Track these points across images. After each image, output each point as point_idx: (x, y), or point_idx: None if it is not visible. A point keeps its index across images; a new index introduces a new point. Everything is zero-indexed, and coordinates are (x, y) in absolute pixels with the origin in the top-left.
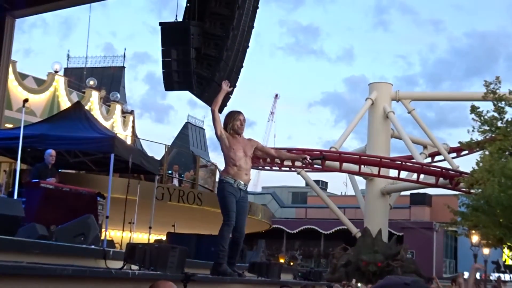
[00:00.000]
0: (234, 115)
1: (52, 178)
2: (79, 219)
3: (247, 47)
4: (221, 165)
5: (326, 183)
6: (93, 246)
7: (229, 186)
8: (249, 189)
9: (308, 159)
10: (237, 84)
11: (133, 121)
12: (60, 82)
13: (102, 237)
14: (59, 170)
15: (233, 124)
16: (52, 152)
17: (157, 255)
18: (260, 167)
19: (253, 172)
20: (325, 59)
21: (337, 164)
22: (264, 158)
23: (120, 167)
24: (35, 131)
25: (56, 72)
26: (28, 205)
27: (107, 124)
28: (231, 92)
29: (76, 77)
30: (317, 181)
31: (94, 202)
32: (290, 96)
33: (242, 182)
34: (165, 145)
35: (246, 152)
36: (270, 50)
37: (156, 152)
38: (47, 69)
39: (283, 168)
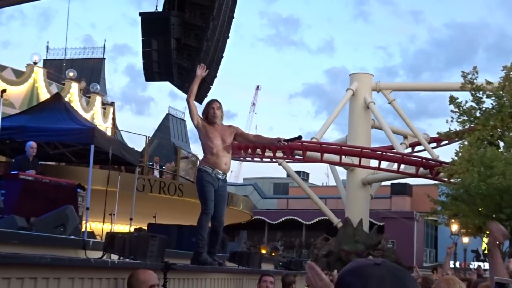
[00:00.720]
0: (209, 104)
1: (33, 170)
2: (59, 210)
3: (228, 37)
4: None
5: (308, 174)
6: (72, 237)
7: (207, 175)
8: (230, 181)
9: (282, 140)
10: (217, 74)
11: (114, 113)
12: (39, 73)
13: (83, 229)
14: (41, 162)
15: (208, 112)
16: (33, 144)
17: (137, 244)
18: (241, 159)
19: (235, 163)
20: (306, 50)
21: (318, 154)
22: (246, 147)
23: (100, 158)
24: (13, 123)
25: (35, 63)
26: (8, 197)
27: (87, 116)
28: (211, 82)
29: (55, 69)
30: (298, 172)
31: (74, 194)
32: (271, 88)
33: (221, 171)
34: (146, 136)
35: (225, 140)
36: (251, 42)
37: (137, 143)
38: (26, 61)
39: (264, 159)
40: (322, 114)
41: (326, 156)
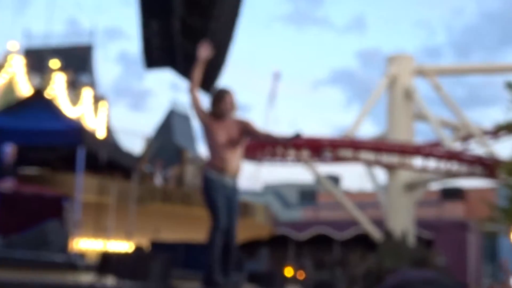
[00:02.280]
0: (220, 95)
1: (12, 178)
2: (42, 226)
3: (239, 15)
4: None
5: (339, 177)
6: (59, 257)
7: (214, 182)
8: (247, 187)
9: (281, 139)
10: (227, 60)
11: (106, 109)
12: (17, 64)
13: (71, 248)
14: (22, 168)
15: (218, 106)
16: (13, 148)
17: (136, 265)
18: (259, 160)
19: (251, 166)
20: (332, 29)
21: (351, 153)
22: (263, 146)
23: (91, 164)
24: None
25: (12, 52)
26: None
27: (74, 113)
28: (220, 69)
29: (36, 58)
30: (328, 175)
31: (60, 207)
32: (292, 75)
33: (230, 176)
34: (145, 137)
35: (233, 138)
36: (266, 21)
37: (134, 145)
38: (1, 50)
39: (287, 160)
40: (354, 105)
41: (361, 155)
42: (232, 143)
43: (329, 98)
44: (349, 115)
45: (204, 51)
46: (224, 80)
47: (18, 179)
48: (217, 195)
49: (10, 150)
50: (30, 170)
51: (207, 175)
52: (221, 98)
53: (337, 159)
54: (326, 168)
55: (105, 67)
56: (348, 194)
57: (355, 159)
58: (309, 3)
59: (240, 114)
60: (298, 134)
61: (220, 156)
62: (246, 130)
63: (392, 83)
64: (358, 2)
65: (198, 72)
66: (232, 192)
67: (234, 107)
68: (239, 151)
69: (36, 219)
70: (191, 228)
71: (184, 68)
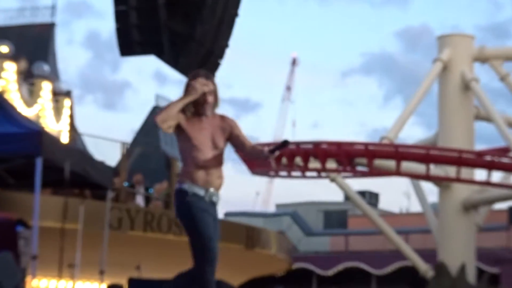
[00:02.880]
0: (192, 81)
1: None
2: None
3: None
4: None
5: (377, 195)
6: None
7: (199, 200)
8: (257, 208)
9: (264, 153)
10: (229, 43)
11: (71, 107)
12: None
13: None
14: None
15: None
16: None
17: None
18: (271, 173)
19: (262, 182)
20: (365, 3)
21: (392, 163)
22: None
23: (53, 178)
24: None
25: None
26: None
27: (30, 113)
28: (220, 55)
29: None
30: (362, 193)
31: (12, 234)
32: (314, 62)
33: (215, 192)
34: (122, 143)
35: (216, 142)
36: None
37: (108, 154)
38: None
39: (308, 174)
40: (394, 100)
41: (405, 165)
42: (216, 149)
43: (362, 92)
44: (388, 114)
45: (201, 86)
46: (226, 67)
47: None
48: (206, 218)
49: None
50: None
51: (188, 191)
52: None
53: (374, 172)
54: (358, 184)
55: (68, 52)
56: (389, 216)
57: (398, 171)
58: None
59: (244, 115)
60: (286, 142)
61: (202, 166)
62: (230, 133)
63: (445, 71)
64: None
65: (179, 105)
66: (217, 212)
67: (216, 98)
68: (222, 159)
69: None
70: (181, 263)
71: (170, 54)
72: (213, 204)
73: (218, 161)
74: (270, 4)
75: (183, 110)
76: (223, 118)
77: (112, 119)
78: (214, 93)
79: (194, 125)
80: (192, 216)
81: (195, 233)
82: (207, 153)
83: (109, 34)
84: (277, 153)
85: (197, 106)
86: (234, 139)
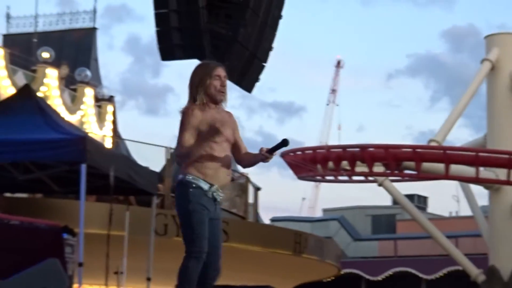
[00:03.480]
0: (207, 70)
1: None
2: (37, 267)
3: None
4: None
5: (426, 198)
6: None
7: (200, 194)
8: (304, 213)
9: (264, 151)
10: (273, 45)
11: (114, 113)
12: None
13: None
14: (4, 194)
15: (207, 85)
16: None
17: None
18: (318, 178)
19: (308, 186)
20: (410, 1)
21: (441, 166)
22: (323, 160)
23: (97, 185)
24: None
25: None
26: None
27: (73, 119)
28: (264, 58)
29: (22, 48)
30: (411, 196)
31: (58, 242)
32: (358, 65)
33: (220, 188)
34: (166, 148)
35: (229, 135)
36: None
37: (152, 160)
38: None
39: (355, 178)
40: (441, 102)
41: (454, 168)
42: (227, 141)
43: (408, 94)
44: (435, 116)
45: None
46: (269, 70)
47: (1, 206)
48: (202, 213)
49: None
50: (18, 196)
51: (192, 183)
52: (214, 75)
53: (422, 175)
54: (406, 187)
55: (108, 57)
56: (438, 220)
57: (446, 175)
58: None
59: (291, 118)
60: (285, 141)
61: (212, 158)
62: (233, 133)
63: (493, 71)
64: None
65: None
66: (218, 210)
67: (226, 87)
68: (230, 154)
69: (28, 259)
70: (229, 267)
71: (213, 57)
72: (215, 201)
73: (229, 156)
74: (313, 6)
75: (194, 99)
76: (230, 114)
77: (154, 124)
78: (226, 81)
79: (206, 114)
80: (188, 209)
81: (187, 227)
82: (221, 145)
83: (149, 38)
84: (275, 153)
85: (211, 95)
86: (235, 141)
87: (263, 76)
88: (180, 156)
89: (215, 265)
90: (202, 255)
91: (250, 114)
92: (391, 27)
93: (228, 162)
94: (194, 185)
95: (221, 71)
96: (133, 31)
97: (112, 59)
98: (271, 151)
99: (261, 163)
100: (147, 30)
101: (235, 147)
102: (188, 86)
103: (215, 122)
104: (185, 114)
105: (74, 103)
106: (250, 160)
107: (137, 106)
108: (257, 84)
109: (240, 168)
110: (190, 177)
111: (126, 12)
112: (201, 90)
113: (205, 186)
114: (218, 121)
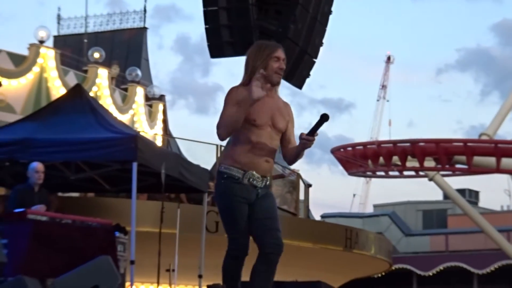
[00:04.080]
0: (266, 51)
1: (41, 206)
2: (89, 265)
3: None
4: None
5: (477, 192)
6: None
7: (232, 184)
8: (355, 209)
9: (303, 136)
10: (323, 41)
11: (164, 112)
12: (48, 57)
13: None
14: (57, 193)
15: (267, 64)
16: (37, 166)
17: None
18: (368, 173)
19: (359, 182)
20: None
21: (492, 160)
22: (374, 155)
23: (149, 183)
24: (14, 135)
25: (41, 42)
26: (13, 249)
27: (124, 118)
28: (314, 54)
29: (73, 49)
30: (462, 191)
31: (110, 240)
32: (407, 60)
33: (259, 175)
34: (217, 145)
35: (276, 122)
36: None
37: (203, 158)
38: (28, 39)
39: (406, 173)
40: (492, 96)
41: (505, 162)
42: (273, 129)
43: (458, 88)
44: (485, 110)
45: (257, 91)
46: (319, 67)
47: (56, 206)
48: (237, 206)
49: (36, 169)
50: (70, 195)
51: (225, 173)
52: (272, 56)
53: (474, 169)
54: (457, 182)
55: (158, 57)
56: (490, 215)
57: (498, 169)
58: None
59: (342, 114)
60: (325, 116)
61: (251, 144)
62: (287, 124)
63: None
64: None
65: (240, 115)
66: (263, 194)
67: (284, 68)
68: (277, 143)
69: (81, 256)
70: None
71: None
72: (255, 189)
73: (271, 143)
74: (362, 1)
75: (249, 79)
76: (287, 104)
77: (204, 123)
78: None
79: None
80: (223, 203)
81: (224, 222)
82: (264, 131)
83: (199, 38)
84: (317, 133)
85: (268, 76)
86: (287, 132)
87: (312, 73)
88: (220, 128)
89: (272, 239)
90: (238, 253)
91: (300, 111)
92: (441, 22)
93: (271, 149)
94: (225, 175)
95: (280, 53)
96: (182, 31)
97: (162, 59)
98: (312, 132)
99: (307, 151)
100: (196, 29)
101: (285, 139)
102: (244, 65)
103: (257, 108)
104: (229, 91)
105: (125, 102)
106: (293, 153)
107: (187, 106)
108: (307, 81)
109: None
110: (223, 167)
111: (175, 12)
112: (257, 70)
113: (238, 174)
114: (264, 107)
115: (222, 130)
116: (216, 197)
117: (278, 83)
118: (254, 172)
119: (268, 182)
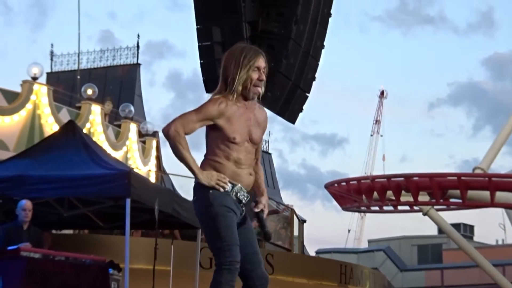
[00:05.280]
0: (246, 60)
1: (26, 244)
2: None
3: (329, 15)
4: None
5: (472, 227)
6: None
7: (223, 196)
8: (350, 245)
9: (255, 208)
10: (315, 76)
11: (158, 148)
12: (41, 94)
13: None
14: (51, 230)
15: (244, 77)
16: (25, 204)
17: None
18: (363, 208)
19: (353, 217)
20: (450, 30)
21: (486, 194)
22: (368, 190)
23: (142, 219)
24: (7, 172)
25: (34, 79)
26: (6, 286)
27: (117, 155)
28: (307, 88)
29: (66, 85)
30: (457, 225)
31: (104, 277)
32: (399, 94)
33: (244, 188)
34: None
35: (254, 134)
36: (361, 22)
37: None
38: (20, 76)
39: (400, 207)
40: (484, 130)
41: (500, 196)
42: (253, 140)
43: (450, 122)
44: (478, 144)
45: (207, 183)
46: (312, 101)
47: (47, 242)
48: (228, 215)
49: (23, 207)
50: (64, 232)
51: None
52: (249, 62)
53: (468, 203)
54: (452, 216)
55: (150, 93)
56: (485, 249)
57: (492, 203)
58: None
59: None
60: (267, 237)
61: (235, 156)
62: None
63: None
64: None
65: (183, 159)
66: (246, 213)
67: (263, 85)
68: (257, 154)
69: None
70: None
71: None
72: (240, 203)
73: (252, 156)
74: (354, 36)
75: (226, 87)
76: (263, 111)
77: (198, 159)
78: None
79: (235, 113)
80: (211, 214)
81: (213, 235)
82: (243, 144)
83: (191, 74)
84: (254, 218)
85: (245, 89)
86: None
87: (305, 108)
88: (171, 130)
89: (258, 273)
90: (235, 265)
91: (293, 147)
92: (432, 56)
93: (251, 162)
94: (212, 188)
95: (261, 62)
96: (174, 67)
97: (154, 95)
98: (258, 218)
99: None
100: (188, 65)
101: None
102: (222, 70)
103: (236, 126)
104: (209, 100)
105: (118, 139)
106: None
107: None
108: (300, 116)
109: (285, 200)
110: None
111: (167, 48)
112: (237, 81)
113: (227, 186)
114: (243, 123)
115: (170, 134)
116: (201, 210)
117: (253, 98)
118: (240, 185)
119: (248, 199)
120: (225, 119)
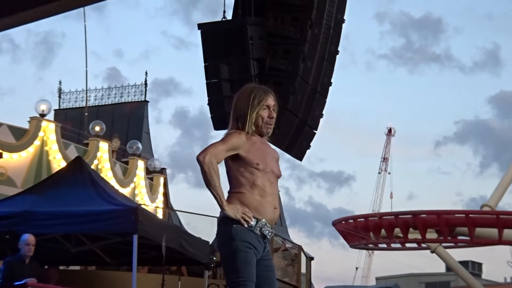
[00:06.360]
0: (256, 100)
1: (32, 279)
2: None
3: (336, 52)
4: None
5: (480, 264)
6: None
7: (245, 230)
8: (358, 283)
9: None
10: (323, 113)
11: (165, 185)
12: (49, 130)
13: None
14: (58, 266)
15: (255, 116)
16: (28, 238)
17: None
18: (371, 245)
19: (361, 255)
20: (456, 68)
21: (494, 232)
22: (376, 228)
23: (149, 256)
24: (14, 208)
25: (42, 116)
26: None
27: (125, 191)
28: (315, 126)
29: (74, 122)
30: (465, 263)
31: None
32: (405, 133)
33: (269, 224)
34: (217, 218)
35: (274, 167)
36: (367, 60)
37: (204, 231)
38: (28, 113)
39: (408, 245)
40: (491, 167)
41: (508, 233)
42: (275, 172)
43: (457, 161)
44: (485, 182)
45: (232, 214)
46: (319, 139)
47: (54, 278)
48: (248, 254)
49: (26, 241)
50: (71, 268)
51: (235, 222)
52: (263, 104)
53: (476, 241)
54: (460, 253)
55: (157, 130)
56: (493, 286)
57: (500, 240)
58: (423, 34)
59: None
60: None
61: (258, 191)
62: None
63: None
64: (488, 32)
65: (213, 186)
66: (267, 251)
67: (275, 117)
68: (277, 188)
69: None
70: None
71: None
72: (265, 239)
73: (275, 187)
74: (360, 74)
75: (238, 126)
76: (275, 151)
77: (204, 198)
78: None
79: (254, 144)
80: (232, 248)
81: (231, 269)
82: (266, 172)
83: (197, 111)
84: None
85: (257, 127)
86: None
87: (312, 145)
88: (204, 160)
89: None
90: None
91: (300, 185)
92: (438, 94)
93: (276, 194)
94: (236, 224)
95: (270, 101)
96: (180, 105)
97: (161, 133)
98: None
99: None
100: (195, 103)
101: None
102: (232, 111)
103: (257, 154)
104: (233, 132)
105: (125, 175)
106: None
107: (187, 179)
108: (307, 153)
109: (292, 238)
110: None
111: (174, 86)
112: (248, 121)
113: (251, 221)
114: (263, 153)
115: (206, 161)
116: (223, 243)
117: (267, 134)
118: (265, 221)
119: (273, 234)
120: (248, 148)
